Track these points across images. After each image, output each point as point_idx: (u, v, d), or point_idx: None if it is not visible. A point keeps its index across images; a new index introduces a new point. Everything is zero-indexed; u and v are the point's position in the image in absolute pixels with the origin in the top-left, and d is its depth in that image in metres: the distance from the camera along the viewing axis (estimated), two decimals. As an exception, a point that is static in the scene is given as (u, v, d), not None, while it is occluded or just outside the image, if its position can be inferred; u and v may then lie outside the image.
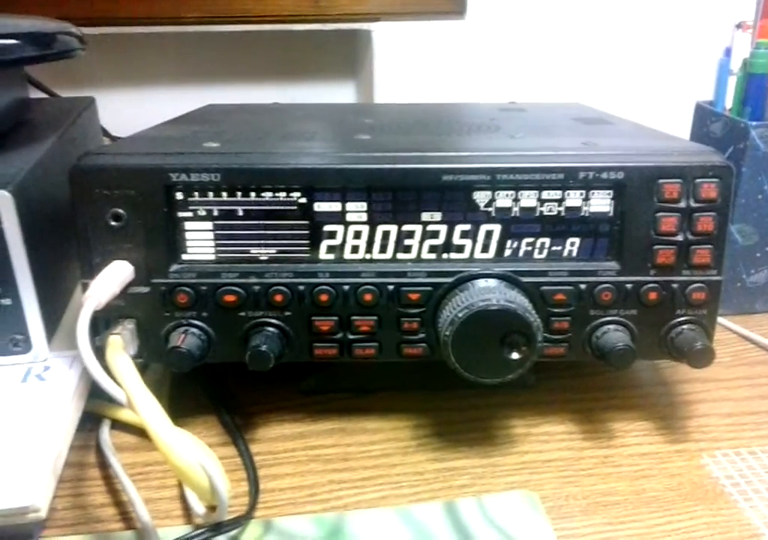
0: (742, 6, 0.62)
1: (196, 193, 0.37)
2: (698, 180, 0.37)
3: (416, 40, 0.77)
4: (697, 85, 0.72)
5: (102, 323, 0.38)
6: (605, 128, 0.48)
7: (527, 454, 0.40)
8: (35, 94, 0.64)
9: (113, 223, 0.37)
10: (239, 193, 0.37)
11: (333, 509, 0.36)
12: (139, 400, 0.31)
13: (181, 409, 0.42)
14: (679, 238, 0.38)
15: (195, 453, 0.30)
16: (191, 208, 0.37)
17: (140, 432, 0.41)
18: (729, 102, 0.52)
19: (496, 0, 0.76)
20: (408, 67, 0.77)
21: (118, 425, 0.42)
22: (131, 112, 0.74)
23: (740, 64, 0.49)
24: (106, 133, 0.69)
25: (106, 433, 0.40)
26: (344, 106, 0.64)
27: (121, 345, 0.36)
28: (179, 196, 0.37)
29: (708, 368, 0.38)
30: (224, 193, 0.37)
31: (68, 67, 0.70)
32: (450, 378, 0.39)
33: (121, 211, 0.37)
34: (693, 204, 0.37)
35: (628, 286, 0.38)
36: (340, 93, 0.84)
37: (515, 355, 0.36)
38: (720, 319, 0.52)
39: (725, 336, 0.52)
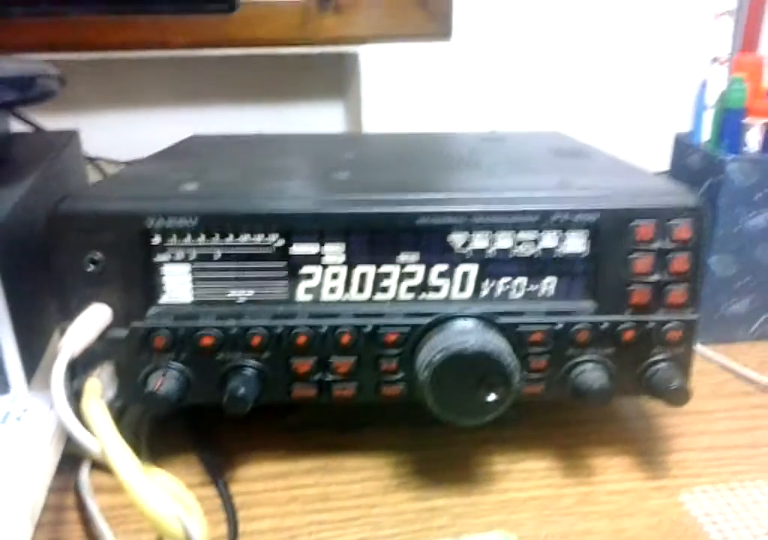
0: (717, 41, 0.63)
1: (174, 237, 0.37)
2: (672, 221, 0.37)
3: (403, 62, 0.78)
4: (678, 114, 0.73)
5: (80, 366, 0.38)
6: (581, 163, 0.48)
7: (507, 492, 0.40)
8: (17, 125, 0.64)
9: (91, 267, 0.37)
10: (216, 237, 0.37)
11: (312, 553, 0.36)
12: (111, 450, 0.31)
13: (160, 448, 0.42)
14: (655, 277, 0.38)
15: (169, 504, 0.30)
16: (168, 251, 0.38)
17: (120, 473, 0.41)
18: (706, 134, 0.52)
19: (481, 24, 0.77)
20: (395, 88, 0.78)
21: (98, 465, 0.41)
22: (118, 137, 0.74)
23: (716, 98, 0.50)
24: (91, 160, 0.69)
25: (85, 474, 0.40)
26: (326, 137, 0.65)
27: (98, 389, 0.36)
28: (156, 240, 0.37)
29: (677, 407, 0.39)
30: (202, 236, 0.37)
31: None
32: (430, 414, 0.39)
33: (98, 255, 0.37)
34: (667, 244, 0.38)
35: (604, 325, 0.38)
36: (328, 115, 0.84)
37: (492, 397, 0.36)
38: (701, 348, 0.53)
39: (706, 366, 0.52)
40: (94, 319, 0.36)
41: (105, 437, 0.31)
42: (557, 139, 0.58)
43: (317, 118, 0.84)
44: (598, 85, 0.80)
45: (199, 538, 0.31)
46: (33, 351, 0.43)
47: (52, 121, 0.66)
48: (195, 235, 0.37)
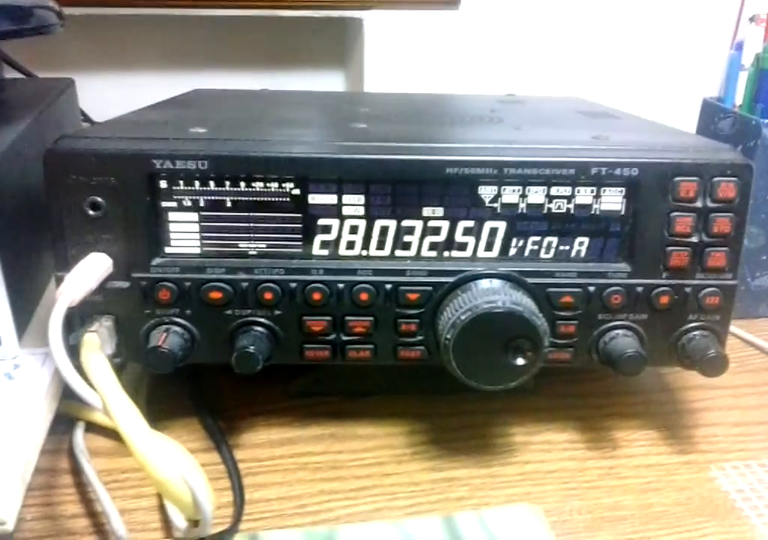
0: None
1: (182, 182, 0.35)
2: (716, 179, 0.35)
3: (407, 29, 0.75)
4: (698, 80, 0.71)
5: (77, 320, 0.35)
6: (614, 122, 0.46)
7: (528, 464, 0.38)
8: (11, 74, 0.60)
9: (91, 212, 0.34)
10: (228, 183, 0.35)
11: (324, 522, 0.34)
12: (115, 405, 0.28)
13: (159, 411, 0.40)
14: (694, 239, 0.36)
15: (176, 464, 0.28)
16: (176, 197, 0.35)
17: (116, 435, 0.38)
18: (738, 98, 0.50)
19: None
20: (399, 57, 0.75)
21: (93, 428, 0.39)
22: (112, 96, 0.71)
23: (752, 60, 0.47)
24: (85, 117, 0.66)
25: (79, 436, 0.38)
26: (336, 94, 0.62)
27: (97, 344, 0.33)
28: (163, 184, 0.34)
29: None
30: (212, 183, 0.35)
31: (47, 49, 0.67)
32: (445, 382, 0.37)
33: (99, 199, 0.34)
34: (709, 204, 0.35)
35: (639, 289, 0.36)
36: (329, 82, 0.81)
37: (520, 361, 0.34)
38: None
39: (729, 341, 0.50)
40: (93, 268, 0.34)
41: (107, 390, 0.28)
42: (581, 103, 0.55)
43: (317, 83, 0.81)
44: (615, 50, 0.76)
45: (206, 501, 0.28)
46: (24, 306, 0.40)
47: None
48: (205, 181, 0.35)
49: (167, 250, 0.35)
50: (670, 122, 0.48)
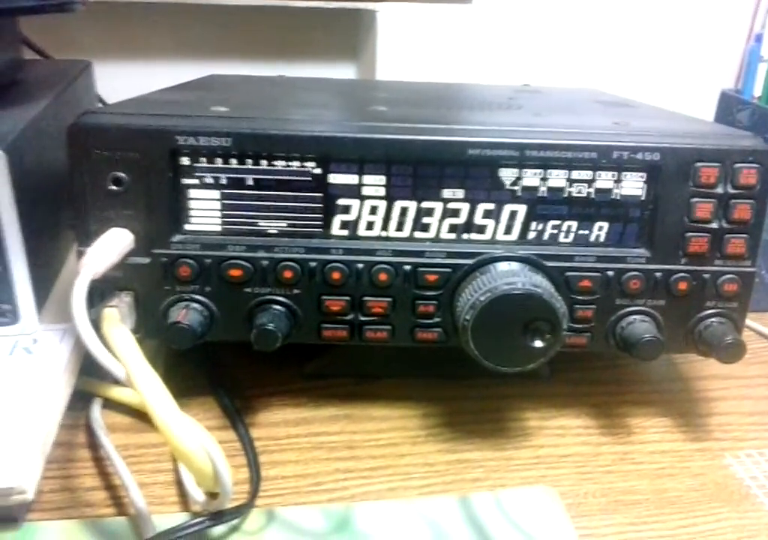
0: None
1: (204, 159, 0.35)
2: (738, 165, 0.35)
3: (420, 21, 0.75)
4: (715, 72, 0.71)
5: (97, 295, 0.35)
6: (633, 110, 0.46)
7: (543, 448, 0.38)
8: (29, 56, 0.61)
9: (113, 187, 0.34)
10: (250, 161, 0.35)
11: (339, 500, 0.34)
12: (140, 377, 0.28)
13: (176, 390, 0.39)
14: (714, 225, 0.36)
15: (199, 436, 0.28)
16: (198, 174, 0.35)
17: (133, 412, 0.38)
18: (757, 90, 0.50)
19: None
20: (412, 49, 0.75)
21: (109, 404, 0.39)
22: (126, 82, 0.71)
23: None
24: (101, 102, 0.66)
25: (97, 412, 0.38)
26: (353, 81, 0.62)
27: (117, 318, 0.33)
28: (185, 161, 0.35)
29: (726, 365, 0.37)
30: (234, 160, 0.35)
31: (63, 33, 0.67)
32: (461, 365, 0.37)
33: (122, 174, 0.34)
34: (730, 190, 0.35)
35: (658, 274, 0.36)
36: (340, 74, 0.81)
37: (538, 343, 0.34)
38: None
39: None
40: (115, 243, 0.34)
41: (132, 362, 0.29)
42: (597, 94, 0.55)
43: (329, 75, 0.81)
44: (629, 42, 0.76)
45: (227, 474, 0.28)
46: (44, 281, 0.41)
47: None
48: (227, 158, 0.35)
49: (188, 227, 0.36)
50: (687, 113, 0.48)
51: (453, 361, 0.39)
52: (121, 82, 0.71)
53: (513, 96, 0.51)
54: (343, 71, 0.81)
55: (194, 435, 0.28)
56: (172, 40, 0.77)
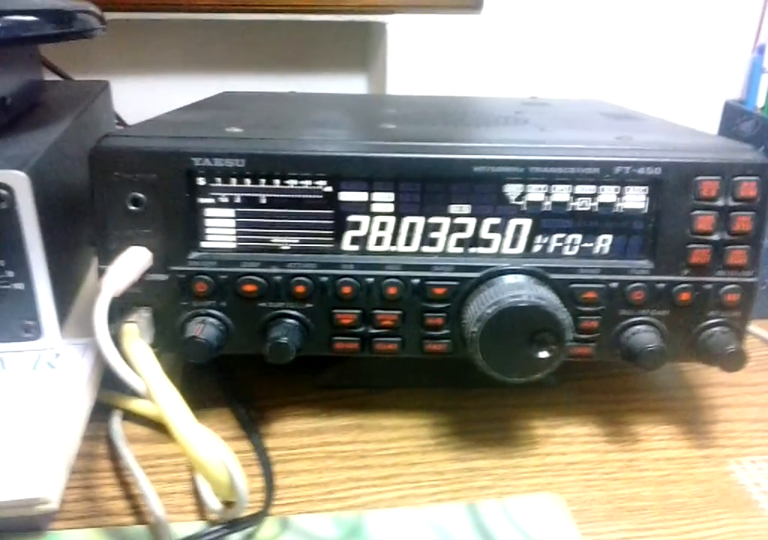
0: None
1: (219, 179, 0.36)
2: (737, 178, 0.36)
3: (430, 33, 0.76)
4: (720, 83, 0.71)
5: (116, 311, 0.36)
6: (636, 124, 0.47)
7: (549, 455, 0.39)
8: (49, 77, 0.62)
9: (132, 207, 0.36)
10: (263, 180, 0.36)
11: (351, 508, 0.35)
12: (159, 390, 0.30)
13: (193, 402, 0.41)
14: (715, 237, 0.36)
15: (215, 447, 0.29)
16: (213, 194, 0.36)
17: (151, 423, 0.40)
18: (760, 101, 0.50)
19: None
20: (421, 60, 0.76)
21: (129, 417, 0.40)
22: (142, 99, 0.72)
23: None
24: (119, 119, 0.68)
25: (117, 423, 0.39)
26: (362, 97, 0.63)
27: (136, 333, 0.35)
28: (201, 181, 0.36)
29: (731, 373, 0.37)
30: (247, 180, 0.36)
31: (81, 53, 0.69)
32: (469, 376, 0.38)
33: (140, 195, 0.35)
34: (731, 202, 0.36)
35: (661, 285, 0.37)
36: (350, 85, 0.82)
37: (544, 354, 0.35)
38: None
39: (748, 341, 0.51)
40: (134, 261, 0.35)
41: (151, 376, 0.30)
42: (603, 106, 0.56)
43: (340, 87, 0.82)
44: (636, 53, 0.77)
45: (242, 483, 0.30)
46: (66, 297, 0.42)
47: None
48: (241, 178, 0.36)
49: (204, 244, 0.37)
50: (692, 124, 0.49)
51: (462, 372, 0.40)
52: (138, 98, 0.72)
53: (520, 109, 0.52)
54: (354, 83, 0.82)
55: (211, 445, 0.29)
56: (184, 56, 0.78)
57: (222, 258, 0.37)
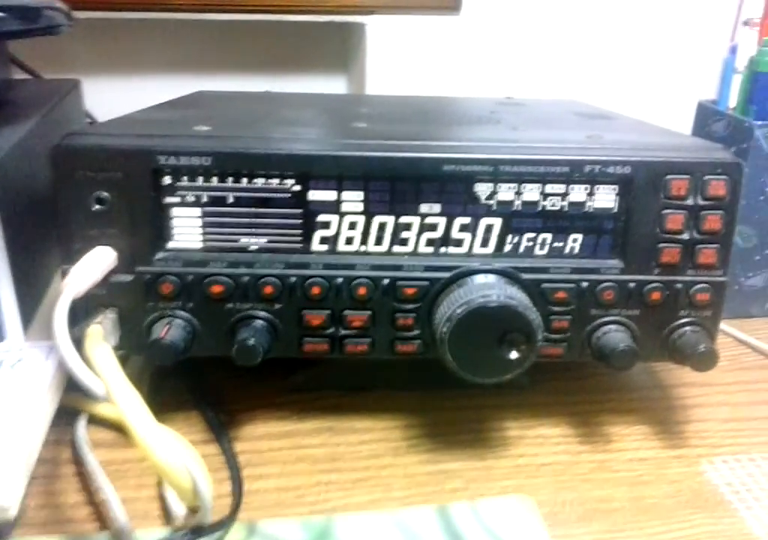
0: (747, 3, 0.61)
1: (185, 178, 0.35)
2: (707, 177, 0.36)
3: (409, 34, 0.76)
4: (695, 84, 0.72)
5: (81, 312, 0.35)
6: (609, 123, 0.47)
7: (522, 457, 0.39)
8: (18, 75, 0.61)
9: (96, 207, 0.35)
10: (230, 179, 0.36)
11: (321, 512, 0.34)
12: (119, 393, 0.29)
13: (161, 405, 0.40)
14: (685, 236, 0.36)
15: (178, 451, 0.28)
16: (179, 193, 0.36)
17: (118, 428, 0.39)
18: (733, 101, 0.51)
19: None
20: (400, 61, 0.75)
21: (94, 420, 0.40)
22: (116, 98, 0.71)
23: (746, 62, 0.48)
24: (90, 118, 0.67)
25: (82, 428, 0.38)
26: (337, 96, 0.63)
27: (101, 335, 0.34)
28: (167, 180, 0.35)
29: (705, 372, 0.37)
30: (214, 179, 0.36)
31: (53, 51, 0.67)
32: (441, 377, 0.37)
33: (105, 194, 0.35)
34: (700, 201, 0.36)
35: (631, 285, 0.37)
36: (330, 86, 0.82)
37: (514, 355, 0.34)
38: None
39: (721, 340, 0.51)
40: (98, 262, 0.34)
41: (111, 378, 0.29)
42: (577, 105, 0.56)
43: (319, 88, 0.82)
44: (613, 53, 0.77)
45: (206, 488, 0.29)
46: (29, 300, 0.41)
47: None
48: (207, 177, 0.35)
49: (170, 244, 0.36)
50: (666, 124, 0.49)
51: (434, 373, 0.40)
52: (112, 97, 0.71)
53: (495, 109, 0.52)
54: (334, 84, 0.82)
55: (173, 450, 0.28)
56: (161, 55, 0.78)
57: (188, 258, 0.36)
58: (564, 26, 0.76)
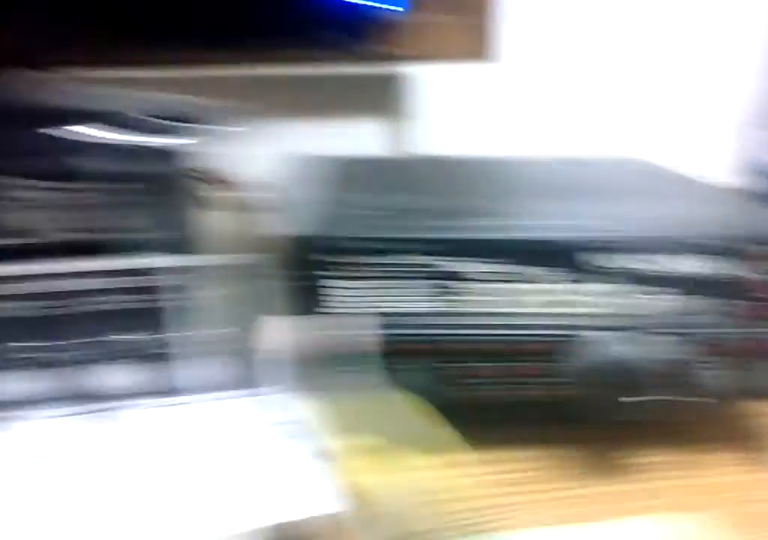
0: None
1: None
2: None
3: (450, 83, 0.80)
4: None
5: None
6: (691, 190, 0.54)
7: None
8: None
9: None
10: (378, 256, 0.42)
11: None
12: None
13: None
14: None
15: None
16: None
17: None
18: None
19: (532, 46, 0.80)
20: (441, 110, 0.80)
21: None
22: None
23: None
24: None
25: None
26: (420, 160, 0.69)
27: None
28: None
29: None
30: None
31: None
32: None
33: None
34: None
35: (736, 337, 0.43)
36: (371, 134, 0.84)
37: (638, 399, 0.41)
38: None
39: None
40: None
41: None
42: (644, 166, 0.63)
43: (359, 136, 0.84)
44: (660, 105, 0.81)
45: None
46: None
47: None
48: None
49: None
50: (718, 174, 0.54)
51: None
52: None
53: (569, 174, 0.59)
54: (375, 129, 0.84)
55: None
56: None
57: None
58: (604, 81, 0.80)
